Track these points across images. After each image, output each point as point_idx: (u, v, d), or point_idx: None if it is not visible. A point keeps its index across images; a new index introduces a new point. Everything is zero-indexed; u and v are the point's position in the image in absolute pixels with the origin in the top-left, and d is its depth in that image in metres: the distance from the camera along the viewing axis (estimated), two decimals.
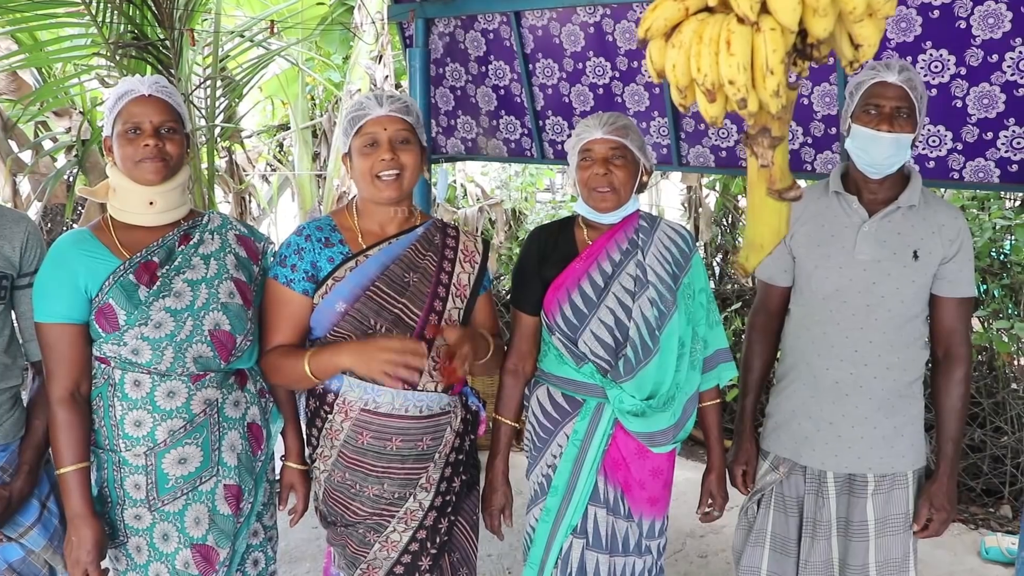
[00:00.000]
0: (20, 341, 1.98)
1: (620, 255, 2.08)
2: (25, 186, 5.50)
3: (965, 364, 2.07)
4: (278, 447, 2.07)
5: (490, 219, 6.54)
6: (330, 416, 1.95)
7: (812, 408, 2.14)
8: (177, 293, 1.82)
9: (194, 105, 4.70)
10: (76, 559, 1.79)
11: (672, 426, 2.09)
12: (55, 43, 4.79)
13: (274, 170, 7.31)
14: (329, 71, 6.58)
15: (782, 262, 2.18)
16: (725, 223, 6.24)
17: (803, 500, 2.17)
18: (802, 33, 1.20)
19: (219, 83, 4.94)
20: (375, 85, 5.42)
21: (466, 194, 6.75)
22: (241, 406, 1.93)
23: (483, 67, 3.67)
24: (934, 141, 2.84)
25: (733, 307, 5.35)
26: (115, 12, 4.21)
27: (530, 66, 3.54)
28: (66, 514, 1.81)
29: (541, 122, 3.66)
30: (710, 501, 2.25)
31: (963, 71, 2.70)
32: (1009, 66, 2.63)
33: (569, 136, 2.72)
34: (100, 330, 1.80)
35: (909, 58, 2.76)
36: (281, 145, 7.63)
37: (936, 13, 2.68)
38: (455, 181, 6.66)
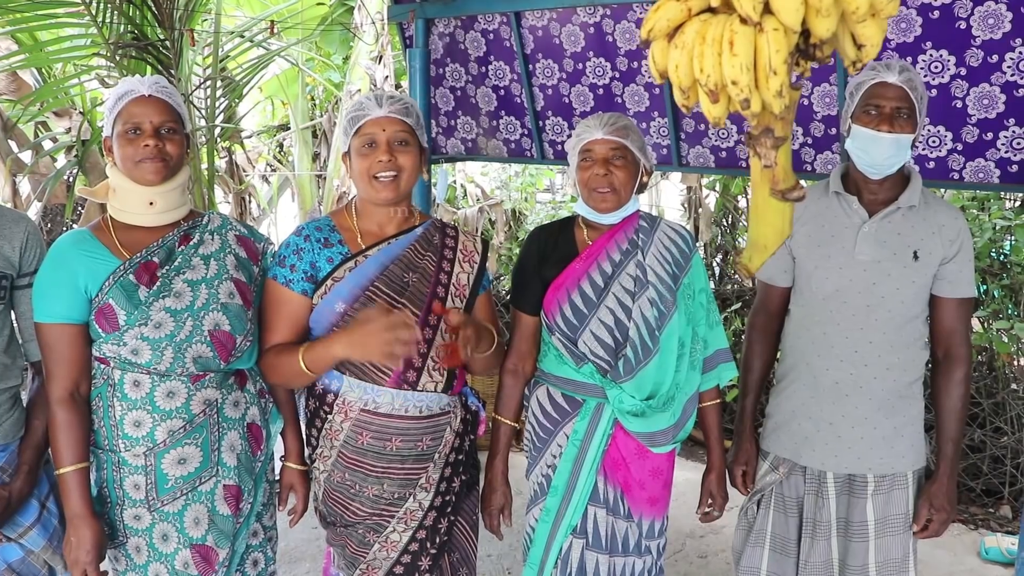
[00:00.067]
0: (20, 341, 1.98)
1: (620, 255, 2.08)
2: (25, 186, 5.49)
3: (965, 364, 2.07)
4: (278, 447, 2.07)
5: (490, 219, 6.53)
6: (330, 416, 1.94)
7: (812, 408, 2.14)
8: (177, 293, 1.82)
9: (194, 105, 4.70)
10: (75, 559, 1.79)
11: (672, 426, 2.09)
12: (55, 43, 4.79)
13: (274, 170, 7.30)
14: (329, 71, 6.58)
15: (782, 262, 2.18)
16: (725, 223, 6.24)
17: (803, 500, 2.17)
18: (805, 33, 1.20)
19: (219, 83, 4.93)
20: (375, 85, 5.42)
21: (466, 194, 6.74)
22: (241, 406, 1.92)
23: (483, 67, 3.67)
24: (934, 141, 2.84)
25: (733, 307, 5.35)
26: (115, 12, 4.20)
27: (530, 66, 3.54)
28: (65, 514, 1.81)
29: (541, 122, 3.66)
30: (710, 501, 2.25)
31: (963, 71, 2.70)
32: (1009, 66, 2.63)
33: (569, 136, 2.71)
34: (100, 330, 1.80)
35: (909, 58, 2.76)
36: (281, 145, 7.63)
37: (936, 14, 2.68)
38: (455, 181, 6.66)
